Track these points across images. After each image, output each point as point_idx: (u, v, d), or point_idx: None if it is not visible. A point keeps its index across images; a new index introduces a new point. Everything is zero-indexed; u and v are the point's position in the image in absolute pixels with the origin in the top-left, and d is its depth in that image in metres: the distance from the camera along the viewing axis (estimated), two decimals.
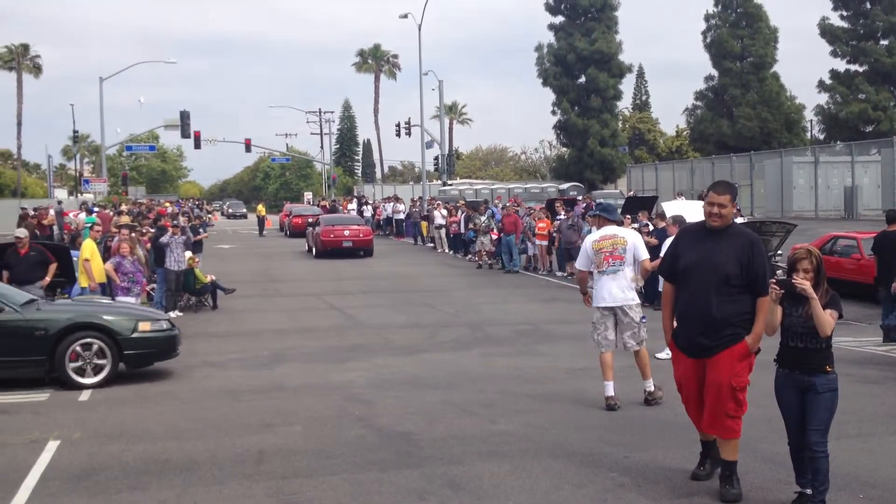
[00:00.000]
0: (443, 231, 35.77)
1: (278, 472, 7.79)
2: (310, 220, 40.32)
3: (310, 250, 36.42)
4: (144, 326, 12.05)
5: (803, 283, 6.18)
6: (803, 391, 6.36)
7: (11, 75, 79.76)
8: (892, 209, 14.81)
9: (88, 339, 11.62)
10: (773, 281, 6.36)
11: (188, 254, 19.25)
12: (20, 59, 78.96)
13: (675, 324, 7.09)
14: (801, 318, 6.29)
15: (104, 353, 11.66)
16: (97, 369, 11.63)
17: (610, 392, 9.81)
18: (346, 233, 33.74)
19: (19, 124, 78.60)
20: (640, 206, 24.73)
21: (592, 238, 10.17)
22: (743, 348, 6.69)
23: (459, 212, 33.45)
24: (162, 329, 12.31)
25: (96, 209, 37.17)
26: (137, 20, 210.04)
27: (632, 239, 10.04)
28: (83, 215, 33.78)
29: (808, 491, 6.42)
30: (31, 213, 32.82)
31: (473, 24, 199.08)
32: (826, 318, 6.20)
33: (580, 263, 10.29)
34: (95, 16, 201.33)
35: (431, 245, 37.81)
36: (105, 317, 11.94)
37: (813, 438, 6.30)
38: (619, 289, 9.73)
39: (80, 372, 11.57)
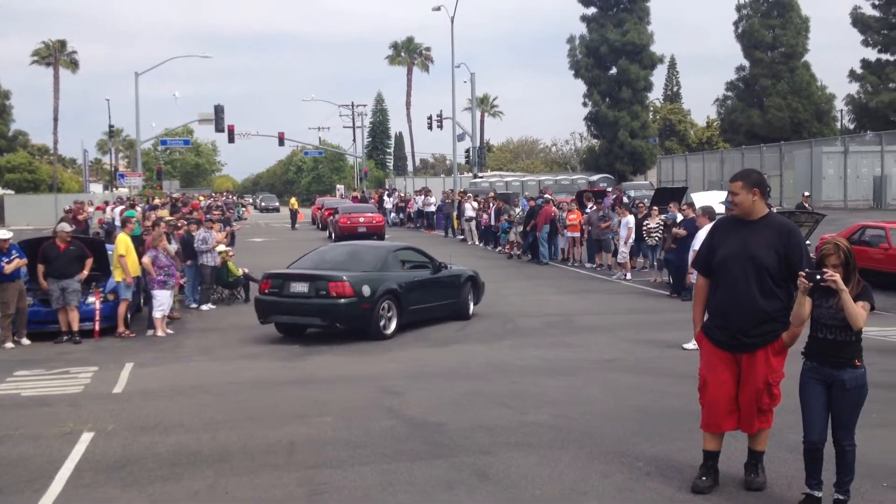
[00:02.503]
0: (473, 223, 35.81)
1: (309, 463, 7.90)
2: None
3: (330, 236, 40.60)
4: (481, 276, 17.78)
5: (834, 275, 6.03)
6: (830, 386, 6.22)
7: (48, 71, 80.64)
8: None
9: (469, 287, 17.13)
10: (802, 273, 6.24)
11: (221, 247, 19.42)
12: (57, 55, 79.75)
13: (706, 317, 6.96)
14: (832, 309, 6.14)
15: (471, 295, 17.18)
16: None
17: None
18: (361, 219, 38.61)
19: (56, 119, 79.44)
20: (669, 198, 24.62)
21: (707, 227, 11.13)
22: (779, 344, 6.57)
23: (490, 204, 33.47)
24: (480, 278, 17.75)
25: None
26: (174, 16, 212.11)
27: None
28: (119, 209, 34.18)
29: (817, 493, 6.31)
30: (68, 207, 33.30)
31: (506, 16, 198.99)
32: (858, 311, 6.05)
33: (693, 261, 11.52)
34: (133, 12, 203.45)
35: (462, 237, 37.87)
36: (472, 271, 17.73)
37: (840, 434, 6.23)
38: None
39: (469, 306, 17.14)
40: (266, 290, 15.09)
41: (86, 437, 8.89)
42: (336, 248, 18.00)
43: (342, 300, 14.35)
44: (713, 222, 8.74)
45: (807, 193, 28.10)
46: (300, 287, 14.71)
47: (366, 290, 14.51)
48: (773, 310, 6.54)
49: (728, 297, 6.65)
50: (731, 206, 6.75)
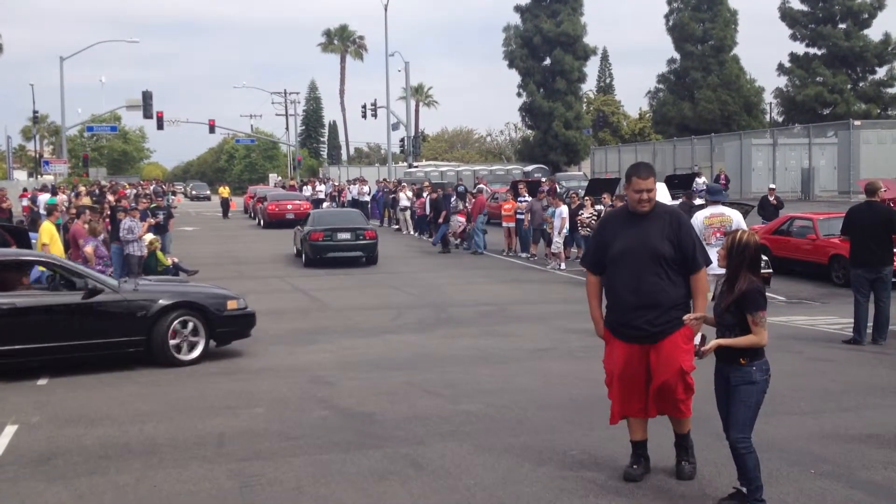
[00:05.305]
0: (408, 213, 35.76)
1: (239, 455, 7.78)
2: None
3: (259, 223, 42.27)
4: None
5: (706, 349, 6.12)
6: (727, 380, 6.19)
7: None
8: (870, 181, 13.16)
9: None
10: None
11: (149, 236, 19.06)
12: None
13: (604, 313, 6.93)
14: (720, 308, 6.19)
15: None
16: None
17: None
18: (289, 206, 40.44)
19: None
20: (602, 188, 24.86)
21: (704, 214, 11.92)
22: (687, 331, 6.57)
23: (424, 193, 33.43)
24: None
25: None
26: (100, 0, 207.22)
27: (736, 218, 11.76)
28: (43, 196, 33.34)
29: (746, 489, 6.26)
30: None
31: (440, 5, 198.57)
32: (745, 341, 6.01)
33: None
34: None
35: (397, 227, 37.79)
36: None
37: (730, 433, 6.13)
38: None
39: None
40: (321, 238, 23.56)
41: (9, 430, 8.64)
42: (330, 212, 29.92)
43: (371, 241, 24.08)
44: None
45: (772, 186, 28.42)
46: (345, 235, 23.83)
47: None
48: (676, 296, 6.63)
49: (631, 291, 6.63)
50: (643, 203, 6.66)
